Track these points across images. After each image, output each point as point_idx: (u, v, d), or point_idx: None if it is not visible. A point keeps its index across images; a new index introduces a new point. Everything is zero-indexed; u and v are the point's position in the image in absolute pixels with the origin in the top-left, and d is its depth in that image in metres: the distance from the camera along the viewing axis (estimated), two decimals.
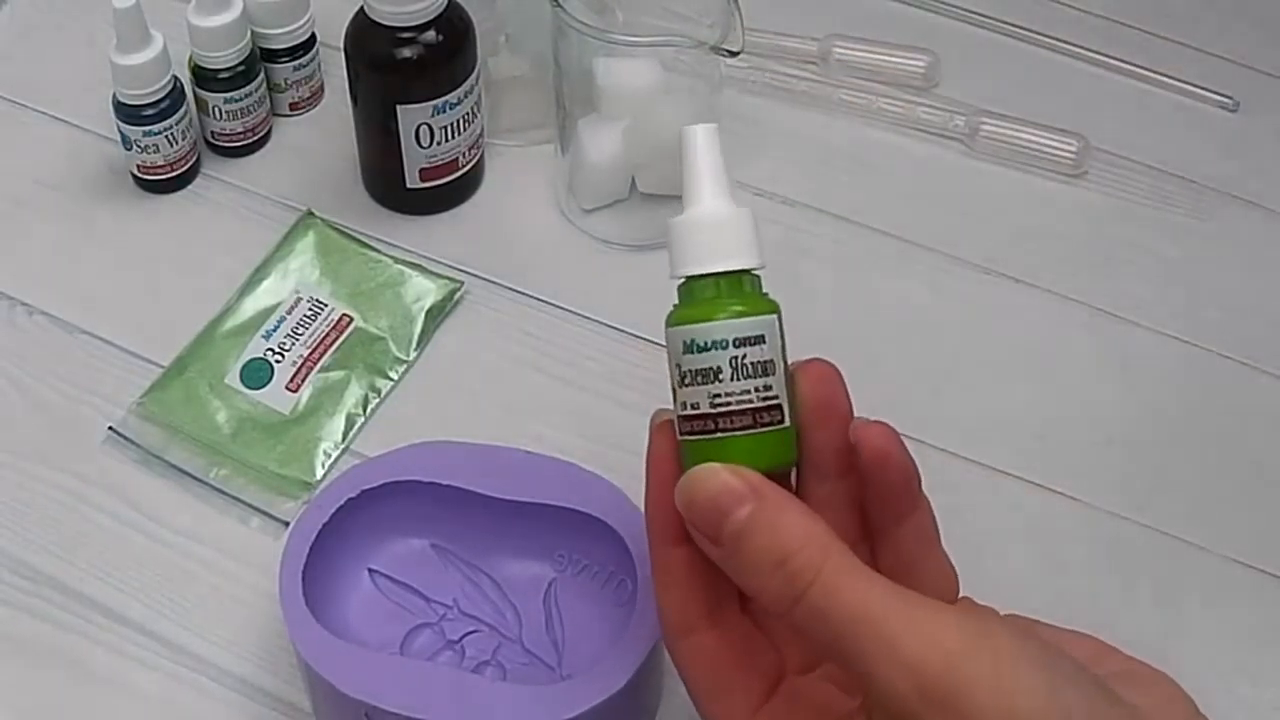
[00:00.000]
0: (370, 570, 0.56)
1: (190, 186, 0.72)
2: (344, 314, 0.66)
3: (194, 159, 0.72)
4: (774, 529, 0.39)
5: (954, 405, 0.65)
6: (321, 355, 0.65)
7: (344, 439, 0.63)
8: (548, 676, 0.54)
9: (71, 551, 0.59)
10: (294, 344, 0.65)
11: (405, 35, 0.65)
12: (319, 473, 0.61)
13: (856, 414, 0.44)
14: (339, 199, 0.72)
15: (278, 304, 0.66)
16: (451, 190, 0.71)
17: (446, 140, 0.68)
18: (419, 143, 0.68)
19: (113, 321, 0.67)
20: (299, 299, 0.66)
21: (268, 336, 0.65)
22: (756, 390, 0.42)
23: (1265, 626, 0.59)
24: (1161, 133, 0.77)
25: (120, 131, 0.70)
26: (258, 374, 0.64)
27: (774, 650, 0.44)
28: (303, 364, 0.64)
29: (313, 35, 0.74)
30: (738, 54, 0.63)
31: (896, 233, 0.72)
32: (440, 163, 0.69)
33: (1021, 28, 0.82)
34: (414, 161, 0.69)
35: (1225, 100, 0.78)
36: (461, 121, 0.68)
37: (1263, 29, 0.83)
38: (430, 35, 0.65)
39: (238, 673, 0.56)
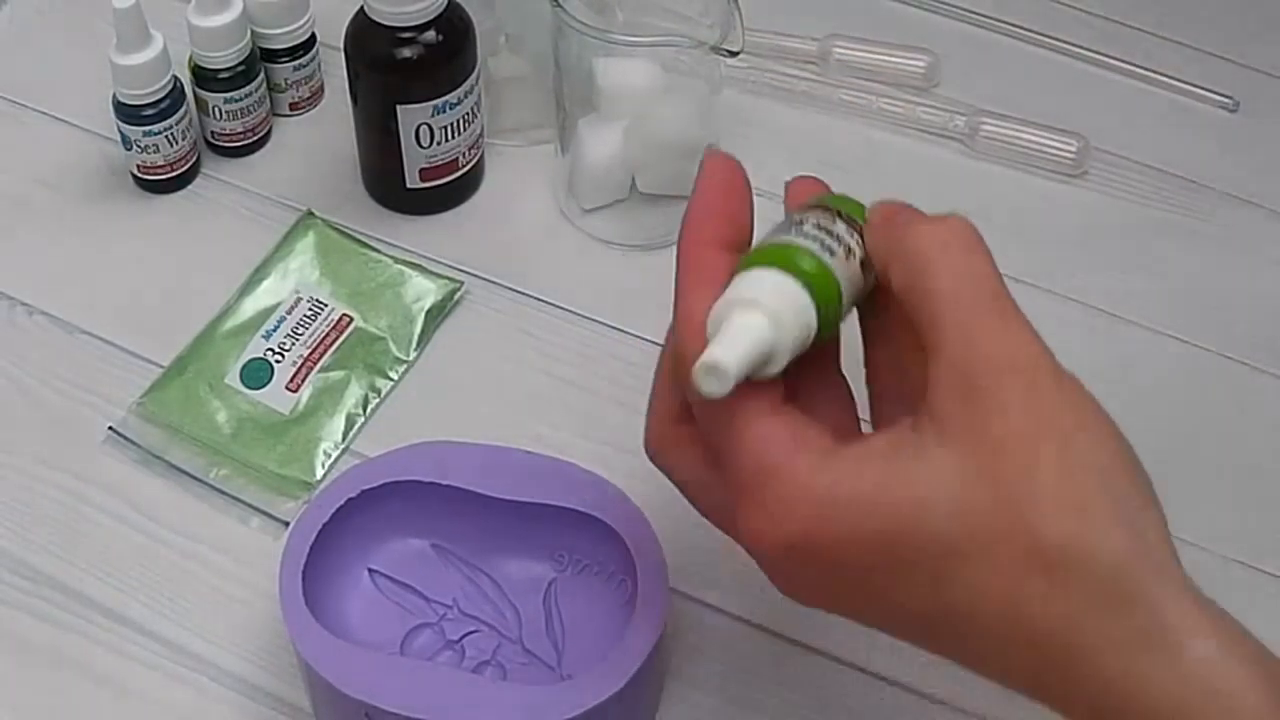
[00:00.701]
0: (370, 570, 0.56)
1: (190, 186, 0.72)
2: (344, 314, 0.66)
3: (194, 159, 0.72)
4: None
5: None
6: (321, 355, 0.65)
7: (344, 439, 0.63)
8: (548, 676, 0.54)
9: (71, 551, 0.59)
10: (294, 344, 0.65)
11: (405, 35, 0.65)
12: (319, 473, 0.62)
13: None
14: (339, 199, 0.72)
15: (277, 304, 0.66)
16: (451, 190, 0.71)
17: (446, 140, 0.68)
18: (419, 143, 0.68)
19: (113, 321, 0.67)
20: (299, 299, 0.66)
21: (268, 336, 0.65)
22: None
23: (1265, 626, 0.59)
24: (1161, 133, 0.77)
25: (120, 131, 0.70)
26: (258, 374, 0.64)
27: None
28: (303, 364, 0.64)
29: (313, 35, 0.74)
30: (738, 54, 0.63)
31: None
32: (440, 163, 0.69)
33: (1021, 28, 0.82)
34: (414, 161, 0.69)
35: (1225, 100, 0.78)
36: (461, 121, 0.68)
37: (1263, 29, 0.83)
38: (430, 35, 0.65)
39: (238, 673, 0.56)
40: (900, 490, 0.38)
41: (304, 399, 0.63)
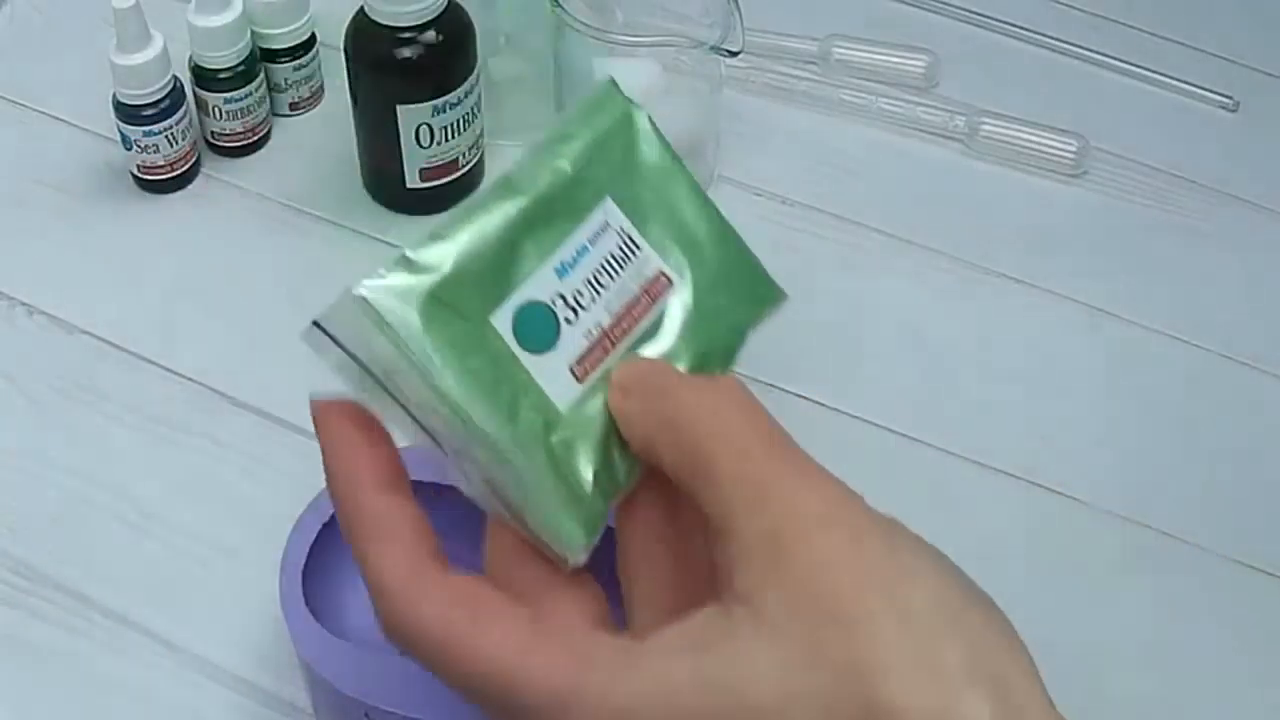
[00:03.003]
0: None
1: (190, 186, 0.72)
2: (661, 271, 0.41)
3: (194, 159, 0.72)
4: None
5: (954, 405, 0.65)
6: (625, 331, 0.40)
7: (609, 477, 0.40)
8: None
9: (71, 551, 0.59)
10: (592, 300, 0.40)
11: (405, 35, 0.65)
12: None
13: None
14: (339, 199, 0.72)
15: (580, 221, 0.41)
16: (452, 190, 0.71)
17: (446, 140, 0.68)
18: (419, 143, 0.68)
19: (113, 321, 0.67)
20: (606, 225, 0.41)
21: (562, 272, 0.40)
22: None
23: (1265, 626, 0.59)
24: (1161, 133, 0.77)
25: (120, 131, 0.70)
26: (538, 329, 0.39)
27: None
28: (600, 339, 0.40)
29: (313, 35, 0.74)
30: (738, 54, 0.63)
31: (896, 233, 0.72)
32: (440, 163, 0.69)
33: (1021, 28, 0.82)
34: (414, 161, 0.69)
35: (1225, 100, 0.78)
36: (461, 121, 0.68)
37: (1263, 29, 0.83)
38: (430, 35, 0.65)
39: (238, 672, 0.56)
40: (719, 693, 0.32)
41: (591, 400, 0.39)
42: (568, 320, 0.40)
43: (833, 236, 0.72)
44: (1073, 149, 0.74)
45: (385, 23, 0.64)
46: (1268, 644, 0.58)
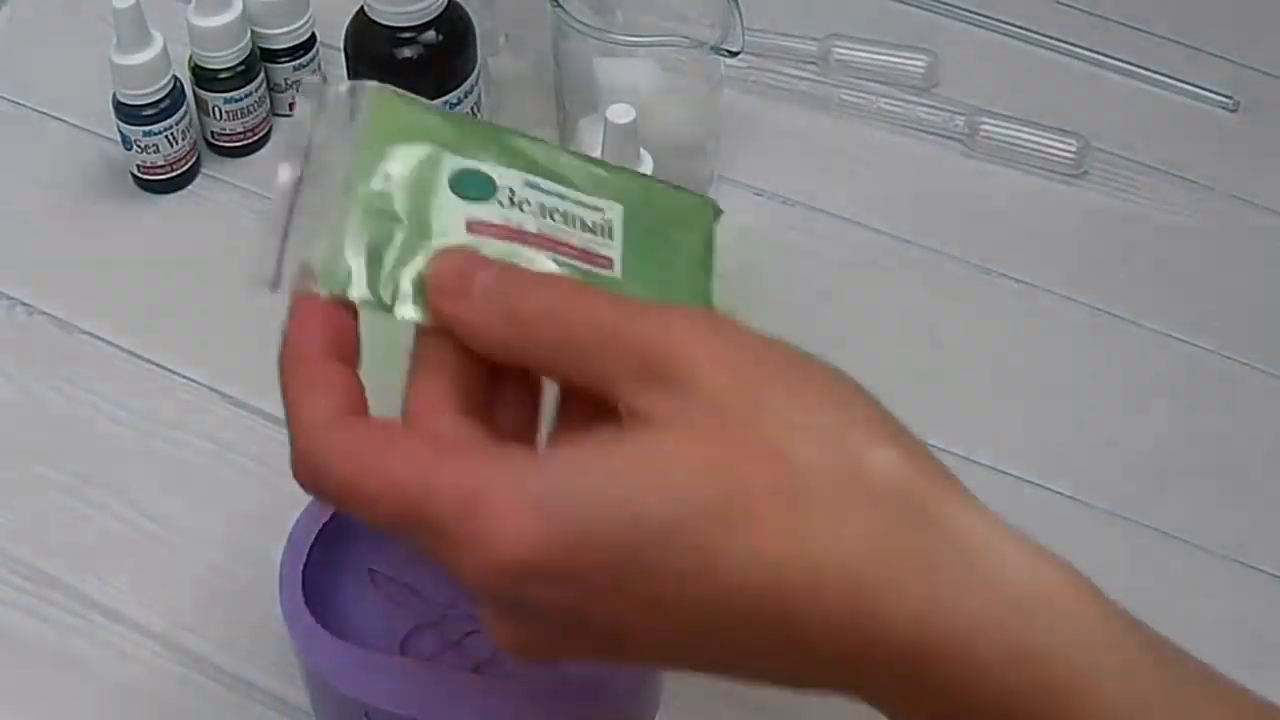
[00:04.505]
0: (370, 570, 0.56)
1: (190, 186, 0.72)
2: (611, 258, 0.42)
3: (194, 159, 0.72)
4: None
5: (953, 405, 0.65)
6: (541, 246, 0.41)
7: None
8: (548, 677, 0.54)
9: (71, 551, 0.59)
10: (533, 213, 0.41)
11: (405, 35, 0.65)
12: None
13: None
14: None
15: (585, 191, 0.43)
16: None
17: None
18: None
19: (113, 321, 0.67)
20: (600, 210, 0.43)
21: (531, 185, 0.42)
22: None
23: (1265, 626, 0.59)
24: (1161, 133, 0.77)
25: (120, 131, 0.70)
26: (471, 185, 0.42)
27: None
28: (513, 230, 0.41)
29: (313, 35, 0.74)
30: (738, 54, 0.63)
31: (896, 233, 0.72)
32: None
33: (1021, 28, 0.82)
34: None
35: (1225, 100, 0.78)
36: None
37: (1263, 29, 0.83)
38: (430, 35, 0.65)
39: (237, 672, 0.56)
40: (634, 473, 0.33)
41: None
42: (500, 202, 0.41)
43: (833, 236, 0.72)
44: (1073, 149, 0.74)
45: (385, 23, 0.64)
46: (1268, 644, 0.58)
